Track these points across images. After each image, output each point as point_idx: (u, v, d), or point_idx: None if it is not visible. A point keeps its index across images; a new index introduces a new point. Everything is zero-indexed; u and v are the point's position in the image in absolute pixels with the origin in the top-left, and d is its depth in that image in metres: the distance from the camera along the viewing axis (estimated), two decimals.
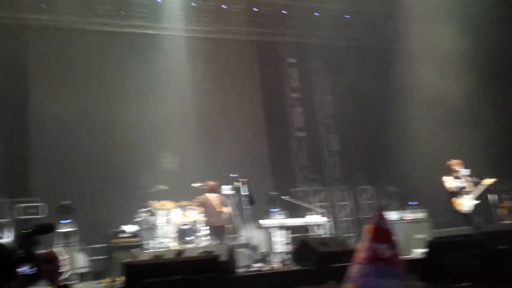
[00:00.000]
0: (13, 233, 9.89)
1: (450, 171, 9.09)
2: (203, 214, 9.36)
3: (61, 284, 2.18)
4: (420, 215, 10.78)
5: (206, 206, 9.26)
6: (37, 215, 9.79)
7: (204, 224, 9.39)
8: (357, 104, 12.27)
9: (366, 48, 12.92)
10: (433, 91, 10.92)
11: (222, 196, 9.34)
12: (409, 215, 10.75)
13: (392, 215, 10.91)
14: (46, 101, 10.81)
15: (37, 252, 2.12)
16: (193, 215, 9.48)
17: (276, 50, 13.40)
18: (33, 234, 2.14)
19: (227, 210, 9.28)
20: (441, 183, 9.09)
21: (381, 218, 2.66)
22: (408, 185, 11.83)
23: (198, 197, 9.51)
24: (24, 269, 2.03)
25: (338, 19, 12.74)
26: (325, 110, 13.35)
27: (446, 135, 10.72)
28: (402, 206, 11.88)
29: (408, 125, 11.52)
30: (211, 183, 9.38)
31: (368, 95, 12.16)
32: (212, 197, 9.32)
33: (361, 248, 1.40)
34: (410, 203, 11.17)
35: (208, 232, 9.27)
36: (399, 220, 10.70)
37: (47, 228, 2.28)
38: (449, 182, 9.00)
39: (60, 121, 10.64)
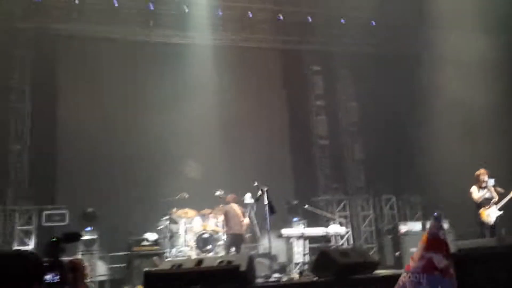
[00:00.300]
0: (37, 240, 10.15)
1: (476, 181, 8.92)
2: (222, 223, 9.42)
3: None
4: (443, 225, 10.59)
5: (229, 215, 9.37)
6: (62, 222, 10.00)
7: (223, 233, 9.45)
8: (382, 112, 12.15)
9: (392, 56, 12.76)
10: (458, 99, 10.74)
11: (243, 207, 9.48)
12: None
13: (415, 226, 10.77)
14: (73, 110, 11.14)
15: (62, 259, 2.17)
16: (213, 224, 9.54)
17: (301, 58, 13.38)
18: (60, 242, 2.22)
19: (247, 221, 9.42)
20: (467, 194, 8.92)
21: (438, 227, 2.65)
22: (432, 195, 11.64)
23: (222, 205, 9.64)
24: (51, 277, 2.11)
25: (364, 26, 12.61)
26: (349, 118, 13.21)
27: (471, 144, 10.53)
28: (425, 216, 11.71)
29: (432, 133, 11.34)
30: (233, 196, 9.56)
31: (393, 103, 12.02)
32: (235, 206, 9.45)
33: (415, 256, 1.41)
34: (434, 214, 10.98)
35: (228, 241, 9.33)
36: (422, 230, 10.54)
37: (74, 237, 2.40)
38: (476, 193, 8.82)
39: (86, 129, 10.93)
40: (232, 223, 9.39)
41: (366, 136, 12.79)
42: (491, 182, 8.83)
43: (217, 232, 9.69)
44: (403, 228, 10.60)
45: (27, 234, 10.22)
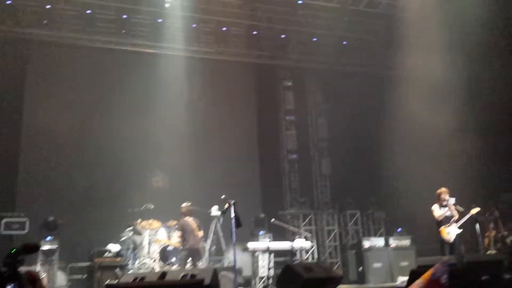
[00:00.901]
0: None
1: (438, 200, 9.15)
2: (179, 238, 9.30)
3: None
4: (405, 242, 10.83)
5: (185, 229, 9.22)
6: (21, 230, 9.70)
7: (180, 247, 9.33)
8: (350, 129, 12.39)
9: (362, 75, 13.08)
10: (423, 120, 11.05)
11: (197, 220, 9.36)
12: (395, 242, 10.80)
13: (378, 241, 10.96)
14: (39, 116, 10.93)
15: (20, 271, 2.13)
16: (175, 237, 9.42)
17: (273, 73, 13.58)
18: (20, 253, 2.18)
19: (201, 233, 9.37)
20: (428, 211, 9.13)
21: (443, 272, 2.67)
22: (396, 211, 11.89)
23: (177, 220, 9.52)
24: None
25: (336, 45, 12.90)
26: (319, 134, 13.46)
27: (431, 162, 10.82)
28: (388, 232, 11.95)
29: (398, 152, 11.61)
30: (188, 206, 9.36)
31: (361, 121, 12.29)
32: (190, 220, 9.31)
33: None
34: (398, 230, 11.24)
35: (184, 254, 9.19)
36: (385, 246, 10.75)
37: (33, 248, 2.35)
38: (437, 211, 9.05)
39: (51, 136, 10.72)
40: (189, 237, 9.28)
41: (334, 152, 13.03)
42: (452, 200, 9.06)
43: (174, 246, 9.56)
44: (367, 243, 10.76)
45: None
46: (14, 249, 2.21)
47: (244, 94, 13.31)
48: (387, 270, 10.36)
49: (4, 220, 9.77)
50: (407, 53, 11.72)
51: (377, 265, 10.42)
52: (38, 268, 8.98)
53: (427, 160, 10.92)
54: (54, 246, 9.53)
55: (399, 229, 11.26)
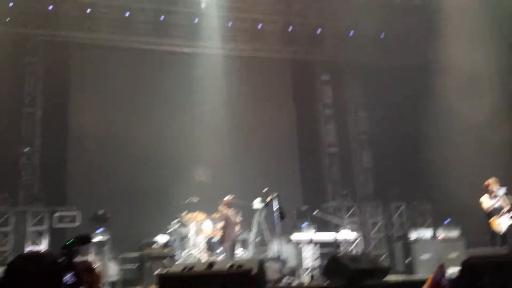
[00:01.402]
0: (49, 241, 10.23)
1: (486, 191, 8.89)
2: (221, 229, 9.48)
3: None
4: (454, 233, 10.58)
5: (228, 222, 9.42)
6: (73, 223, 10.09)
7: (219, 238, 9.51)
8: (392, 122, 12.18)
9: (401, 67, 12.81)
10: (466, 109, 10.75)
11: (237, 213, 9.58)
12: (443, 234, 10.56)
13: (425, 233, 10.75)
14: (86, 114, 11.30)
15: (76, 261, 2.24)
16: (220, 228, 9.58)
17: (310, 68, 13.46)
18: (74, 245, 2.30)
19: (239, 227, 9.65)
20: (477, 202, 8.89)
21: (442, 274, 2.67)
22: (443, 203, 11.61)
23: (221, 212, 9.69)
24: (68, 278, 2.18)
25: (373, 38, 12.68)
26: (358, 127, 13.28)
27: (481, 153, 10.51)
28: (436, 224, 11.68)
29: (443, 142, 11.34)
30: (230, 199, 9.62)
31: (403, 113, 12.07)
32: (232, 213, 9.50)
33: None
34: (445, 221, 11.00)
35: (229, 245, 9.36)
36: (433, 238, 10.54)
37: (86, 239, 2.47)
38: (486, 202, 8.79)
39: (98, 133, 11.07)
40: (230, 229, 9.47)
41: (375, 144, 12.83)
42: (502, 191, 8.79)
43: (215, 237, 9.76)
44: (413, 235, 10.57)
45: (39, 235, 10.30)
46: (69, 241, 2.29)
47: (281, 89, 13.30)
48: (436, 262, 10.12)
49: (56, 214, 10.20)
50: (445, 44, 11.43)
51: (425, 256, 10.22)
52: (90, 258, 9.33)
53: (474, 149, 10.61)
54: (105, 238, 9.87)
55: (447, 221, 10.99)
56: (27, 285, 1.95)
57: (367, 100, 13.21)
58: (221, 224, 9.45)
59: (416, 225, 12.08)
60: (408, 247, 10.51)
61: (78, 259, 2.36)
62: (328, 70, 13.42)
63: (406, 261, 10.48)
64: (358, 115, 13.36)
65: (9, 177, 10.54)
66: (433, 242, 10.45)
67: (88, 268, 2.27)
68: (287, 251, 9.68)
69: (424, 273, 9.85)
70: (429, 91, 11.80)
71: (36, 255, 2.21)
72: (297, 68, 13.37)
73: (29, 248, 10.03)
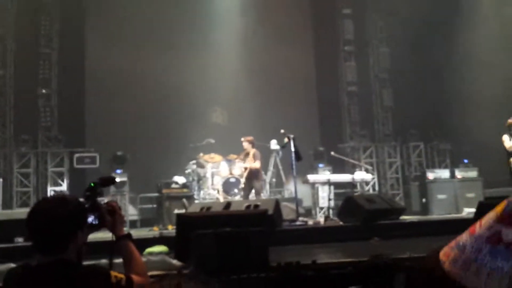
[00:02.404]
0: (69, 181, 10.52)
1: (508, 129, 8.69)
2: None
3: (123, 233, 2.30)
4: (472, 173, 10.50)
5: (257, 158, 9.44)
6: (92, 164, 10.30)
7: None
8: (415, 58, 11.68)
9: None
10: (493, 45, 10.29)
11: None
12: (460, 174, 10.50)
13: (443, 173, 10.70)
14: (101, 56, 11.21)
15: (100, 203, 2.26)
16: (238, 169, 9.64)
17: (330, 1, 12.86)
18: (97, 186, 2.29)
19: None
20: (498, 142, 8.72)
21: None
22: (463, 143, 11.45)
23: (236, 154, 9.70)
24: (91, 219, 2.19)
25: None
26: (380, 64, 12.75)
27: (505, 90, 10.18)
28: (454, 164, 11.59)
29: (466, 81, 10.99)
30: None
31: (428, 49, 11.58)
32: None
33: (483, 223, 1.32)
34: (464, 161, 10.88)
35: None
36: (451, 178, 10.49)
37: (109, 181, 2.44)
38: (508, 141, 8.61)
39: (114, 75, 11.04)
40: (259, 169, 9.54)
41: (396, 82, 12.43)
42: None
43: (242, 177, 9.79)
44: (431, 175, 10.52)
45: (60, 175, 10.60)
46: (92, 183, 2.30)
47: (300, 25, 12.87)
48: (452, 202, 10.15)
49: (76, 155, 10.41)
50: None
51: (441, 196, 10.21)
52: (110, 199, 9.60)
53: (497, 87, 10.27)
54: (124, 179, 10.11)
55: (466, 161, 10.88)
56: (52, 226, 1.99)
57: (391, 35, 12.61)
58: (259, 162, 9.39)
59: (434, 166, 12.01)
60: (424, 187, 10.50)
61: (101, 200, 2.39)
62: (351, 2, 12.74)
63: (422, 201, 10.50)
64: (380, 51, 12.81)
65: (29, 119, 10.72)
66: (451, 182, 10.40)
67: (111, 208, 2.28)
68: (302, 192, 9.78)
69: (439, 213, 9.92)
70: (456, 27, 11.30)
71: (59, 197, 2.20)
72: (317, 2, 12.82)
73: (50, 188, 10.36)
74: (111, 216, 2.26)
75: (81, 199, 2.20)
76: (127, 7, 11.33)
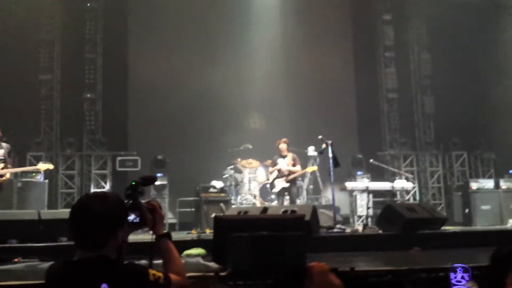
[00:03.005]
0: (112, 183, 10.81)
1: None
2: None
3: (162, 232, 2.33)
4: None
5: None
6: (134, 167, 10.54)
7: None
8: (458, 64, 11.39)
9: (471, 2, 11.82)
10: None
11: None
12: (506, 184, 10.12)
13: (487, 183, 10.35)
14: (143, 61, 11.51)
15: (141, 202, 2.29)
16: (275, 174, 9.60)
17: (370, 6, 12.67)
18: (139, 185, 2.32)
19: None
20: None
21: None
22: (507, 152, 11.03)
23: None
24: (132, 217, 2.23)
25: None
26: (421, 70, 12.49)
27: None
28: (498, 174, 11.19)
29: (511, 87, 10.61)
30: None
31: (471, 54, 11.28)
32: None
33: None
34: (510, 171, 10.50)
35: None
36: (495, 188, 10.14)
37: (150, 180, 2.47)
38: None
39: (156, 80, 11.28)
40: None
41: (438, 89, 12.13)
42: None
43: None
44: (474, 185, 10.19)
45: (103, 177, 10.92)
46: (134, 182, 2.33)
47: (339, 30, 12.78)
48: (496, 213, 9.80)
49: (118, 158, 10.69)
50: None
51: (485, 207, 9.87)
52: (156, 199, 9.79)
53: None
54: (164, 182, 10.32)
55: (511, 171, 10.49)
56: (91, 222, 2.03)
57: (432, 41, 12.33)
58: (293, 165, 9.28)
59: (477, 175, 11.63)
60: (467, 197, 10.17)
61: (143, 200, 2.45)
62: (390, 8, 12.55)
63: (465, 212, 10.17)
64: (422, 57, 12.52)
65: (75, 122, 11.09)
66: (495, 192, 10.05)
67: (152, 208, 2.31)
68: (340, 199, 9.67)
69: (483, 224, 9.58)
70: (500, 32, 10.94)
71: (100, 193, 2.24)
72: (357, 6, 12.67)
73: (93, 190, 10.67)
74: (151, 215, 2.29)
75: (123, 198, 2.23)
76: (168, 14, 11.61)
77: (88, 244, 2.05)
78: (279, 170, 9.25)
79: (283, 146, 9.30)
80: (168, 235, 2.35)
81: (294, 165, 9.24)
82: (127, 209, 2.20)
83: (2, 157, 7.33)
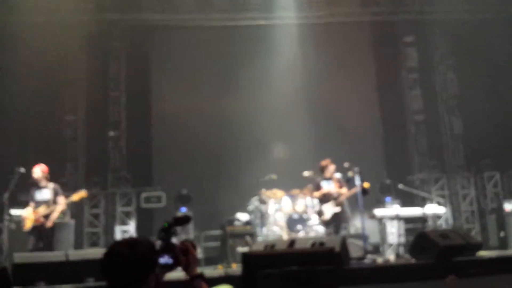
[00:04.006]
0: (137, 220, 10.77)
1: None
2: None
3: (196, 273, 2.34)
4: None
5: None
6: (159, 203, 10.53)
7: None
8: (485, 83, 11.13)
9: (495, 21, 11.63)
10: None
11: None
12: None
13: None
14: (167, 96, 11.67)
15: (174, 243, 2.33)
16: (302, 204, 9.44)
17: (392, 29, 12.56)
18: (172, 226, 2.36)
19: None
20: None
21: None
22: None
23: (299, 189, 9.43)
24: (165, 259, 2.27)
25: None
26: (448, 91, 12.20)
27: None
28: None
29: None
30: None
31: (498, 73, 11.03)
32: None
33: None
34: None
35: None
36: None
37: (184, 220, 2.49)
38: None
39: (178, 115, 11.42)
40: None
41: (466, 109, 11.84)
42: None
43: (306, 213, 9.53)
44: (509, 207, 9.80)
45: (128, 215, 10.90)
46: (166, 223, 2.37)
47: (361, 55, 12.67)
48: None
49: (143, 195, 10.70)
50: None
51: None
52: (176, 238, 9.70)
53: None
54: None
55: None
56: (122, 269, 2.08)
57: (457, 61, 12.11)
58: (339, 186, 8.89)
59: (511, 196, 11.19)
60: (502, 220, 9.78)
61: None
62: (412, 30, 12.39)
63: (501, 235, 9.76)
64: (447, 78, 12.27)
65: (99, 161, 11.20)
66: None
67: (185, 249, 2.34)
68: (369, 227, 9.38)
69: None
70: None
71: (130, 240, 2.28)
72: (378, 30, 12.58)
73: (118, 227, 10.64)
74: (185, 256, 2.30)
75: (156, 239, 2.30)
76: (189, 49, 11.77)
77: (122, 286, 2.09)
78: (326, 194, 8.76)
79: (332, 167, 8.80)
80: (201, 276, 2.35)
81: (340, 187, 8.81)
82: (158, 253, 2.22)
83: (46, 199, 7.49)
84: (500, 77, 11.13)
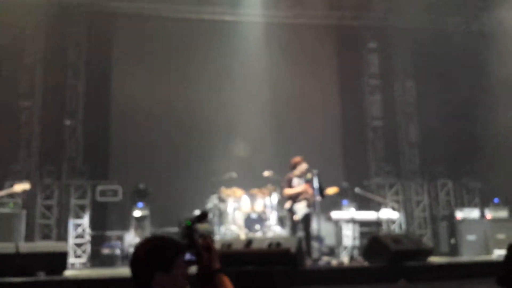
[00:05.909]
0: (91, 214, 10.47)
1: None
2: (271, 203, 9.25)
3: (216, 268, 2.39)
4: (503, 213, 10.12)
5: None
6: (115, 197, 10.27)
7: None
8: (442, 92, 11.50)
9: (455, 32, 12.02)
10: None
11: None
12: (491, 213, 10.11)
13: (472, 212, 10.33)
14: (126, 88, 11.33)
15: (197, 240, 2.38)
16: (261, 204, 9.43)
17: (356, 34, 12.79)
18: (193, 224, 2.41)
19: None
20: None
21: None
22: (493, 181, 11.07)
23: (258, 188, 9.42)
24: (188, 256, 2.33)
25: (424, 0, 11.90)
26: (406, 98, 12.58)
27: None
28: (484, 203, 11.19)
29: (496, 116, 10.71)
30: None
31: (455, 83, 11.41)
32: None
33: None
34: (494, 200, 10.50)
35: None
36: (480, 218, 10.12)
37: (204, 216, 2.57)
38: None
39: (138, 107, 11.12)
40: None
41: (423, 117, 12.22)
42: None
43: (264, 213, 9.52)
44: (460, 214, 10.17)
45: (82, 208, 10.56)
46: (188, 221, 2.42)
47: (324, 58, 12.81)
48: (482, 243, 9.75)
49: (99, 188, 10.40)
50: (504, 7, 10.66)
51: (471, 237, 9.83)
52: (132, 233, 9.53)
53: None
54: (146, 213, 10.03)
55: (496, 200, 10.50)
56: (133, 266, 2.19)
57: (416, 69, 12.45)
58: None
59: (463, 204, 11.61)
60: (453, 227, 10.13)
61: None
62: (376, 36, 12.66)
63: (451, 242, 10.11)
64: (406, 85, 12.62)
65: (54, 150, 10.81)
66: (481, 222, 10.03)
67: (207, 246, 2.39)
68: (325, 229, 9.50)
69: (469, 254, 9.51)
70: (486, 58, 11.10)
71: (149, 237, 2.39)
72: (342, 34, 12.75)
73: (72, 220, 10.32)
74: (207, 252, 2.36)
75: (180, 238, 2.38)
76: (153, 41, 11.54)
77: (136, 284, 2.20)
78: (301, 193, 8.20)
79: (304, 165, 8.26)
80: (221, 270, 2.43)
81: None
82: (178, 251, 2.26)
83: None
84: (456, 88, 11.52)
